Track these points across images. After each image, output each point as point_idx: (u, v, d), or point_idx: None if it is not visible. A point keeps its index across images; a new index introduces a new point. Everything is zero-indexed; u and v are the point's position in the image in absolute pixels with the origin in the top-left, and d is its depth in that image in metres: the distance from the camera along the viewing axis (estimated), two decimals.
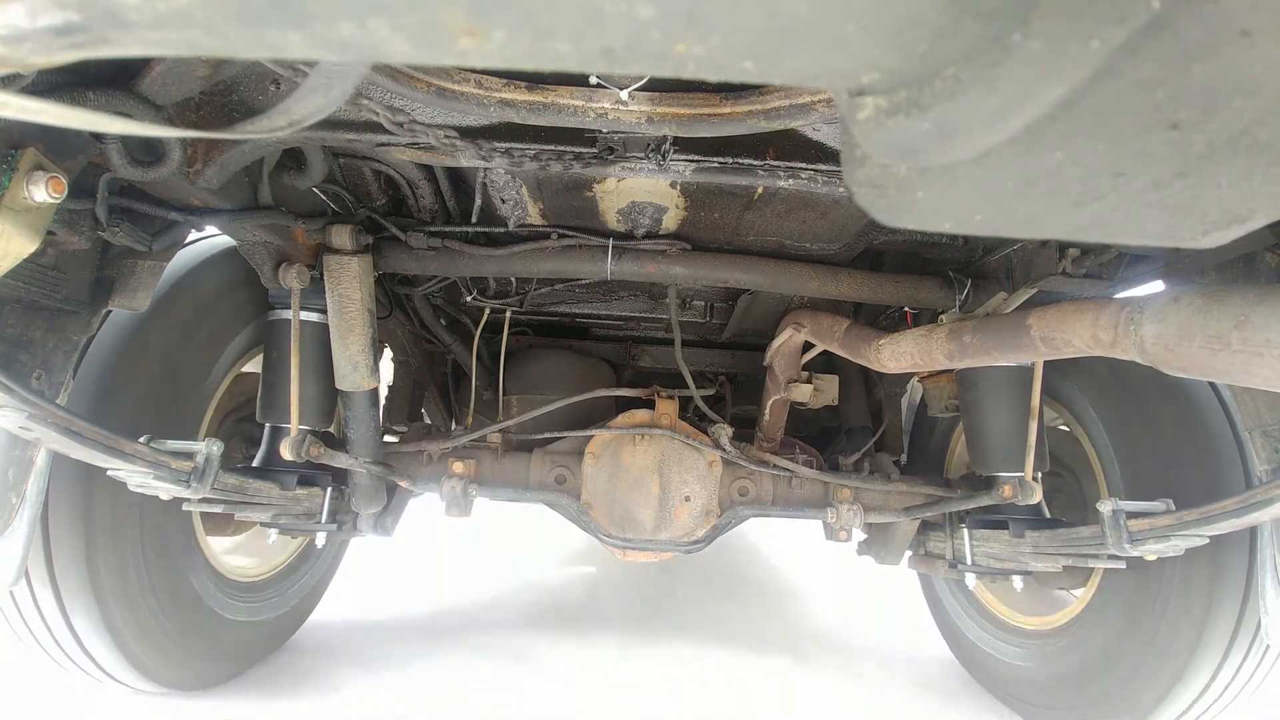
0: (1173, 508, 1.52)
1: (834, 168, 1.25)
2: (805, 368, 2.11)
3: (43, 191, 0.97)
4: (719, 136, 1.12)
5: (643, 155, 1.21)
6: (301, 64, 0.94)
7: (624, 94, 0.99)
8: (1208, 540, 1.47)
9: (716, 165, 1.24)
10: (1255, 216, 0.41)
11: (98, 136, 1.10)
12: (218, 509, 1.69)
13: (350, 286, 1.64)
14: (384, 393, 2.38)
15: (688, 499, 2.00)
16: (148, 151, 1.16)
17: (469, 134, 1.21)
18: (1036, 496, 1.74)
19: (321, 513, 1.94)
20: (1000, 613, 2.34)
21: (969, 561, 1.92)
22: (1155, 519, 1.50)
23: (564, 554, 4.26)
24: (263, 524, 1.90)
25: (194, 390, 1.83)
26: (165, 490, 1.47)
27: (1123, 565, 1.71)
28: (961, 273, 1.70)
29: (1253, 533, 1.54)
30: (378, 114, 1.12)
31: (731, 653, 2.63)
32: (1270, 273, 1.18)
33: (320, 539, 2.01)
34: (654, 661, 2.47)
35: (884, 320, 2.28)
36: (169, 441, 1.51)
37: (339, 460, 1.84)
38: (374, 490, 1.97)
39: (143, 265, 1.42)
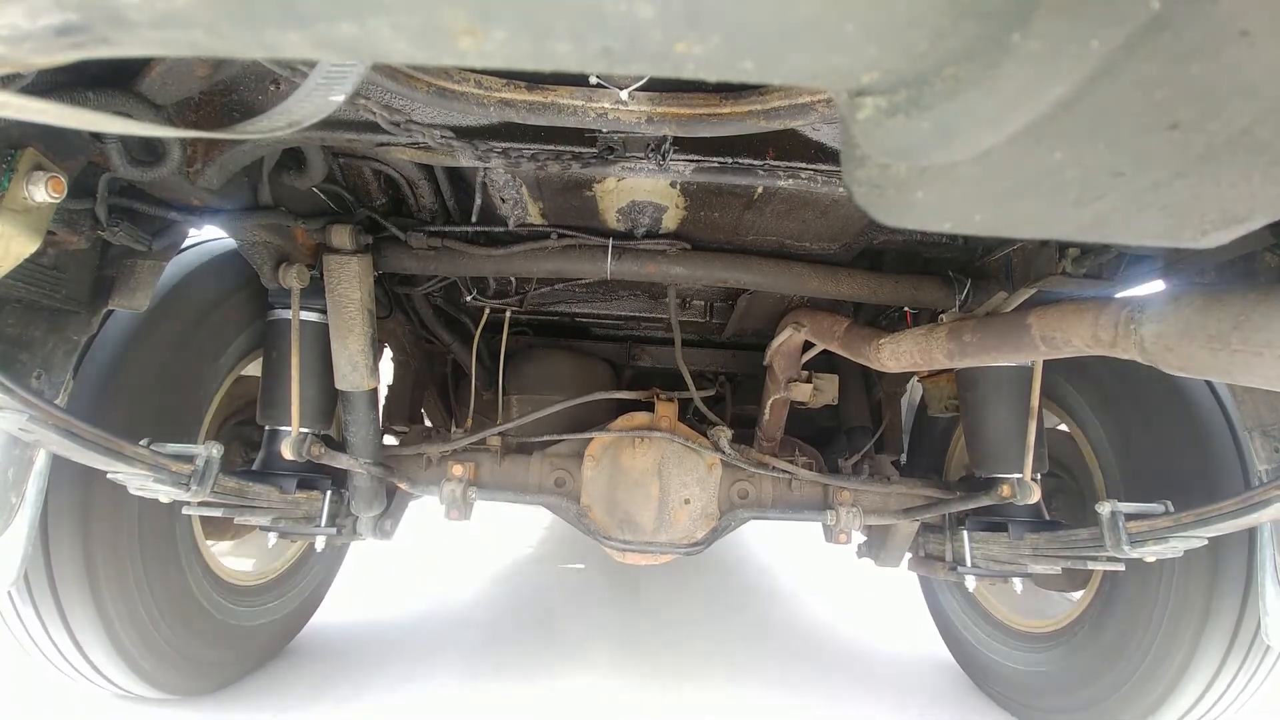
0: (1171, 509, 1.52)
1: (834, 168, 1.25)
2: (805, 367, 2.11)
3: (42, 191, 0.97)
4: (719, 136, 1.12)
5: (642, 155, 1.21)
6: (302, 64, 0.94)
7: (624, 94, 0.99)
8: (1206, 542, 1.47)
9: (716, 165, 1.24)
10: (1255, 217, 0.41)
11: (97, 136, 1.10)
12: (217, 512, 1.68)
13: (350, 286, 1.64)
14: (383, 393, 2.38)
15: (687, 501, 2.00)
16: (147, 151, 1.16)
17: (468, 134, 1.21)
18: (1035, 496, 1.74)
19: (321, 516, 1.93)
20: (1000, 615, 2.33)
21: (968, 563, 1.92)
22: (1154, 520, 1.49)
23: (562, 553, 4.26)
24: (262, 528, 1.90)
25: (193, 393, 1.83)
26: (165, 493, 1.46)
27: (1121, 567, 1.71)
28: (961, 272, 1.70)
29: (1252, 533, 1.54)
30: (375, 114, 1.12)
31: (728, 654, 2.63)
32: (1270, 273, 1.18)
33: (320, 543, 2.01)
34: (649, 664, 2.47)
35: (884, 320, 2.28)
36: (169, 444, 1.51)
37: (339, 461, 1.84)
38: (374, 493, 1.97)
39: (143, 265, 1.42)
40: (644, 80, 0.99)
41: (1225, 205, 0.40)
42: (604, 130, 1.11)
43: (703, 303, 2.29)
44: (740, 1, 0.29)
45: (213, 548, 2.00)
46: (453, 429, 2.58)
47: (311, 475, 1.94)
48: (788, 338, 1.99)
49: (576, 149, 1.22)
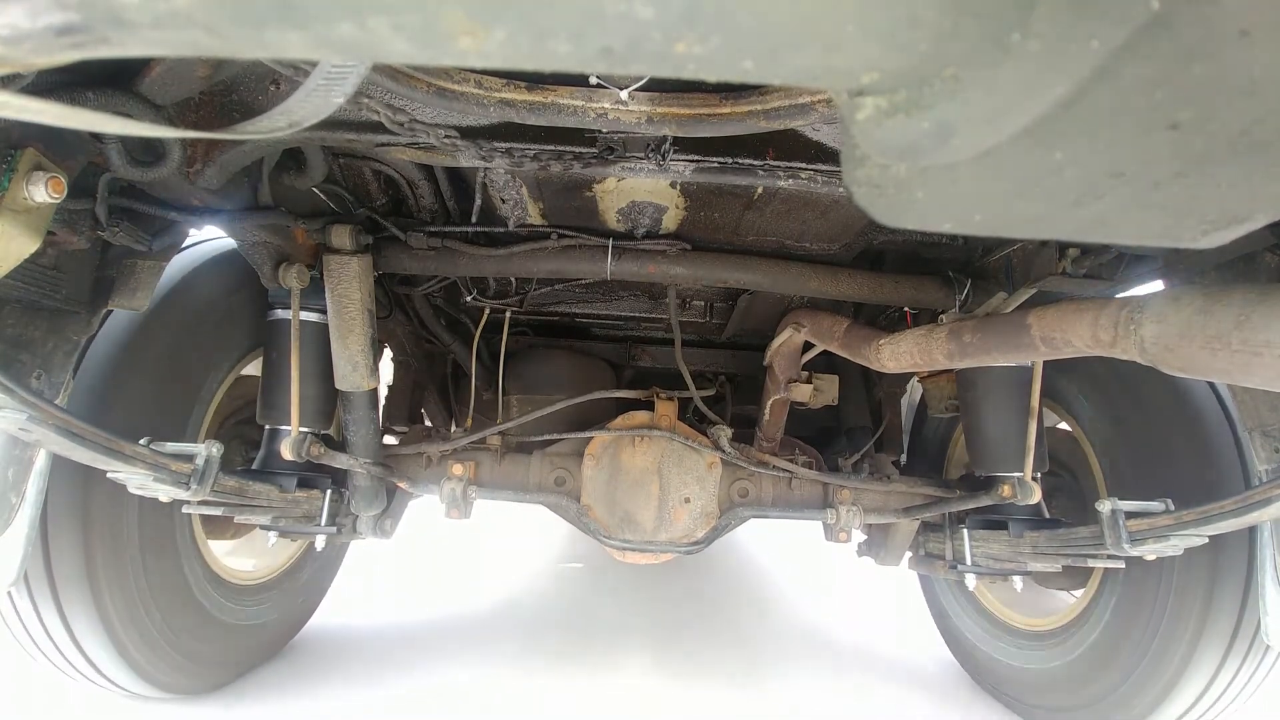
0: (1171, 507, 1.52)
1: (834, 168, 1.24)
2: (805, 367, 2.11)
3: (42, 191, 0.97)
4: (719, 136, 1.12)
5: (643, 155, 1.21)
6: (302, 64, 0.94)
7: (624, 94, 0.99)
8: (1206, 540, 1.47)
9: (716, 165, 1.24)
10: (1255, 216, 0.41)
11: (97, 136, 1.10)
12: (217, 512, 1.69)
13: (350, 286, 1.64)
14: (383, 393, 2.38)
15: (687, 500, 2.00)
16: (147, 151, 1.16)
17: (469, 134, 1.20)
18: (1035, 496, 1.74)
19: (321, 516, 1.93)
20: (1000, 613, 2.34)
21: (969, 562, 1.92)
22: (1154, 519, 1.50)
23: (560, 554, 4.26)
24: (262, 527, 1.90)
25: (194, 392, 1.83)
26: (165, 492, 1.47)
27: (1121, 565, 1.71)
28: (961, 273, 1.70)
29: (1252, 533, 1.54)
30: (378, 113, 1.12)
31: (728, 653, 2.63)
32: (1270, 273, 1.18)
33: (320, 542, 2.02)
34: (649, 664, 2.47)
35: (884, 320, 2.28)
36: (168, 444, 1.51)
37: (339, 460, 1.84)
38: (373, 492, 1.97)
39: (142, 265, 1.42)
40: (644, 80, 0.99)
41: (1225, 205, 0.40)
42: (604, 130, 1.11)
43: (703, 303, 2.29)
44: (740, 2, 0.29)
45: (213, 546, 2.00)
46: (453, 429, 2.58)
47: (311, 474, 1.94)
48: (788, 338, 1.99)
49: (577, 149, 1.22)
